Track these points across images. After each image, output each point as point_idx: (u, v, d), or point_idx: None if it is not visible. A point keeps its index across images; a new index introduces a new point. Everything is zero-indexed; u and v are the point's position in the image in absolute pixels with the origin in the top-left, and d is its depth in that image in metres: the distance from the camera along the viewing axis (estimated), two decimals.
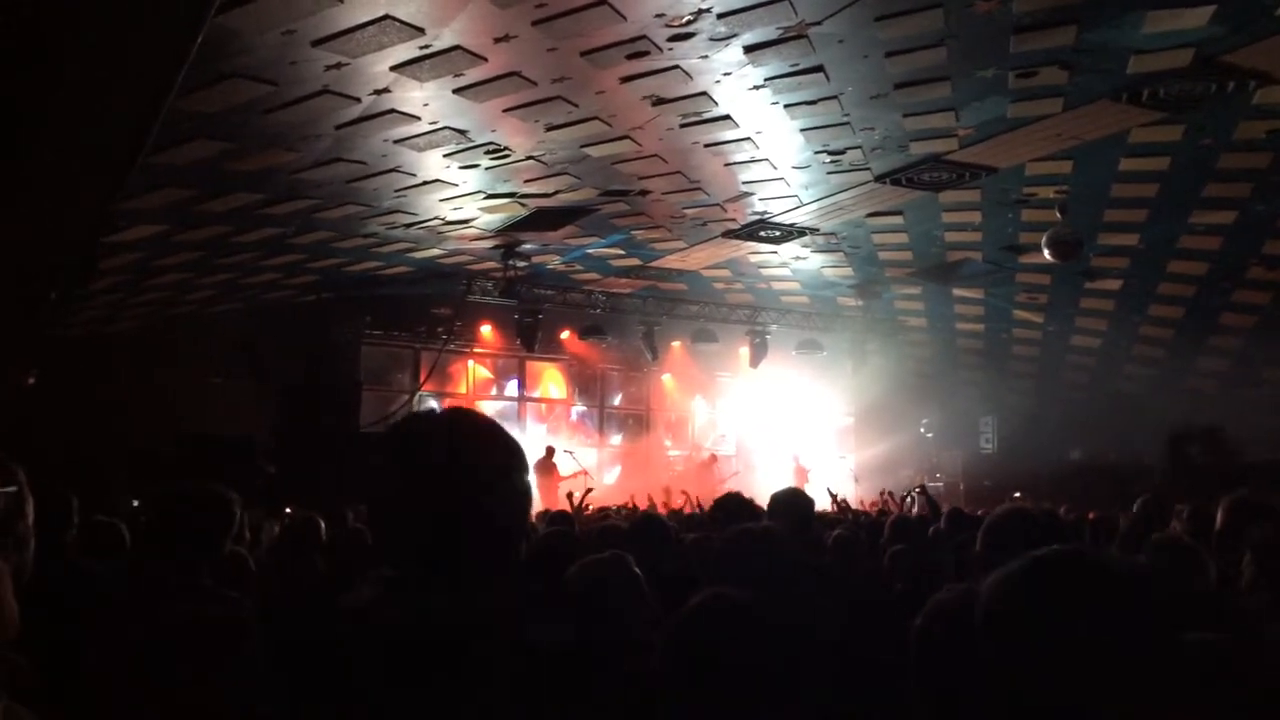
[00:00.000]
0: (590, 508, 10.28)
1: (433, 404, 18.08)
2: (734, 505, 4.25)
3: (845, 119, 9.29)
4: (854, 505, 13.06)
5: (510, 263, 14.95)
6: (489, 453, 1.58)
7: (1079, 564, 1.49)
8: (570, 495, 10.41)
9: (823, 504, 12.92)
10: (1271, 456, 15.47)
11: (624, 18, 7.02)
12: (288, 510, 9.17)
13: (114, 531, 4.84)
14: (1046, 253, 11.56)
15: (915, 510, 12.79)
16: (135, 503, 9.16)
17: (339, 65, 7.38)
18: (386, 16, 6.69)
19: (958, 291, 16.33)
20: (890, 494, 14.36)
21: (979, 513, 12.38)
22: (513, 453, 1.62)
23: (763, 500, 4.51)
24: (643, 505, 11.17)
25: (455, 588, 1.49)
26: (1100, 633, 1.39)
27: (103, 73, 5.05)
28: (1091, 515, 9.46)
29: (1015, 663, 1.41)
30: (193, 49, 5.10)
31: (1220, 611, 2.70)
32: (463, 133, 9.22)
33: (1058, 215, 11.51)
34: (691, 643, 2.00)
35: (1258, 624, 2.49)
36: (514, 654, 1.47)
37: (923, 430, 21.39)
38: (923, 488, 12.43)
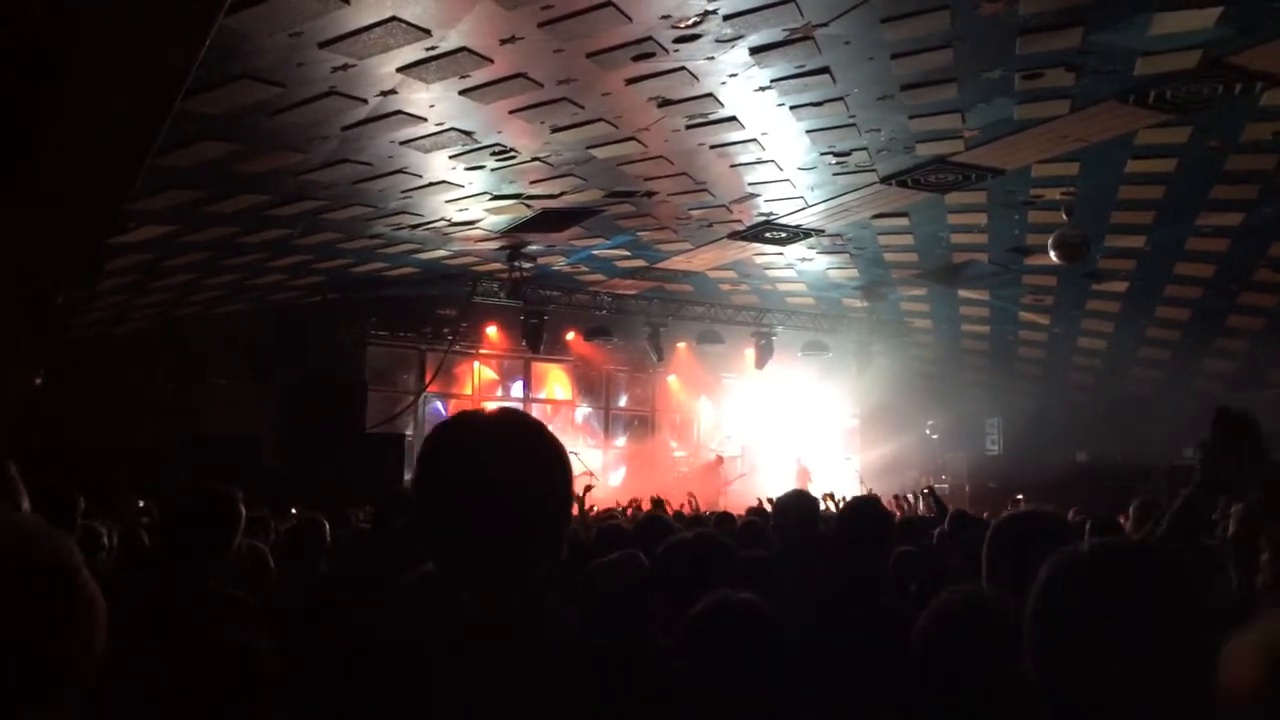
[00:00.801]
0: (594, 509, 10.27)
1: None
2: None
3: (851, 120, 9.29)
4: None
5: (516, 264, 14.96)
6: (535, 454, 1.60)
7: (1136, 558, 1.49)
8: (576, 496, 10.40)
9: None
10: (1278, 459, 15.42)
11: (630, 19, 7.03)
12: (293, 510, 9.19)
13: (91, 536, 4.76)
14: (1053, 254, 11.55)
15: (922, 511, 12.80)
16: (140, 503, 9.18)
17: (346, 67, 7.40)
18: (393, 18, 6.70)
19: (963, 293, 16.31)
20: (896, 497, 14.33)
21: (984, 515, 12.37)
22: (558, 455, 1.63)
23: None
24: (645, 507, 11.15)
25: (495, 587, 1.50)
26: (1157, 628, 1.39)
27: (112, 74, 5.06)
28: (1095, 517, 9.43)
29: (1066, 658, 1.40)
30: (202, 50, 5.12)
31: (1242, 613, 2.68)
32: (469, 134, 9.24)
33: (1064, 217, 11.48)
34: (702, 643, 2.00)
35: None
36: (552, 654, 1.48)
37: (928, 432, 21.37)
38: (930, 488, 12.42)
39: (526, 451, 1.59)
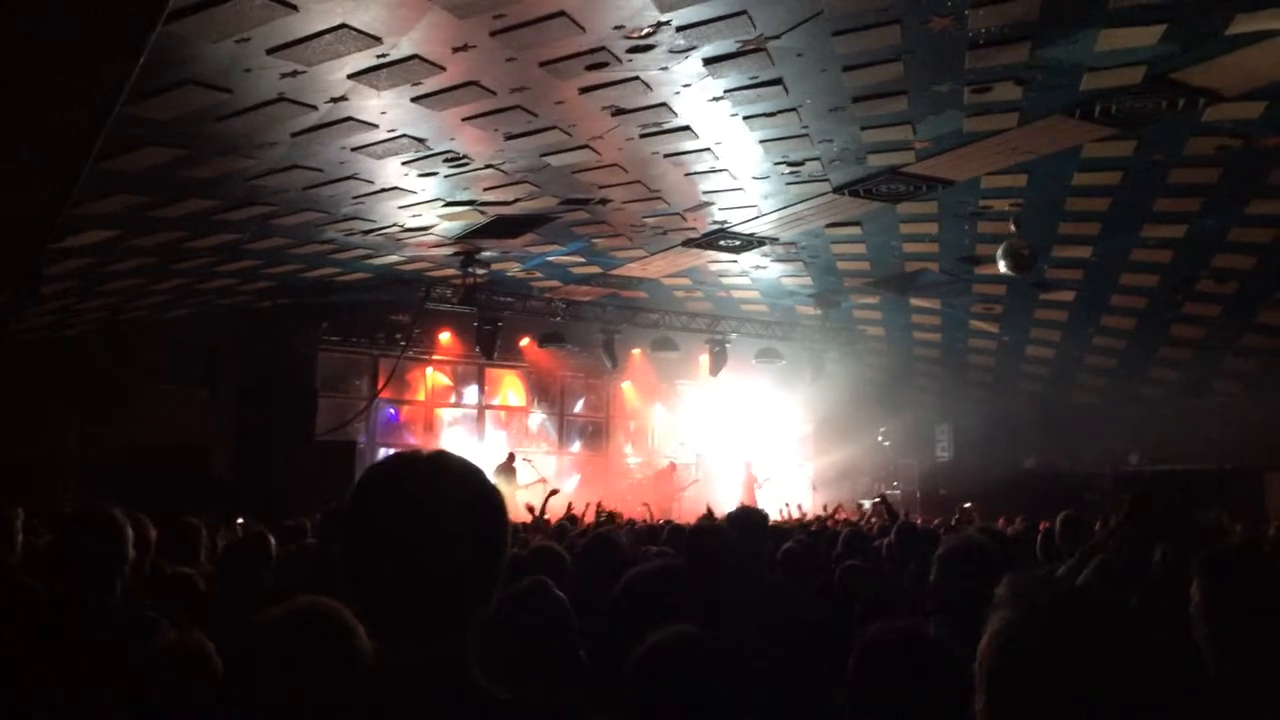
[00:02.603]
0: (551, 519, 10.24)
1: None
2: None
3: (804, 131, 9.34)
4: (812, 514, 13.08)
5: (470, 270, 14.88)
6: (452, 504, 1.53)
7: (1087, 611, 1.49)
8: (530, 507, 10.36)
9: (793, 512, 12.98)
10: (1219, 465, 15.77)
11: (583, 29, 7.02)
12: (239, 521, 9.07)
13: None
14: (1002, 264, 11.68)
15: (873, 518, 12.88)
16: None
17: (295, 73, 7.31)
18: (343, 25, 6.63)
19: (915, 301, 16.47)
20: (858, 505, 14.41)
21: (934, 522, 12.49)
22: (477, 505, 1.56)
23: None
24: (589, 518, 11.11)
25: (406, 636, 1.47)
26: (1115, 677, 1.41)
27: (47, 84, 4.96)
28: (1044, 525, 9.57)
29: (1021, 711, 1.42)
30: (138, 62, 5.02)
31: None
32: (421, 141, 9.17)
33: (1012, 228, 11.62)
34: (652, 678, 1.99)
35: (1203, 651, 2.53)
36: (456, 704, 1.45)
37: (880, 439, 21.54)
38: (883, 496, 12.52)
39: (437, 498, 1.53)
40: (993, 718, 1.45)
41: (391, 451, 16.61)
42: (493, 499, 1.58)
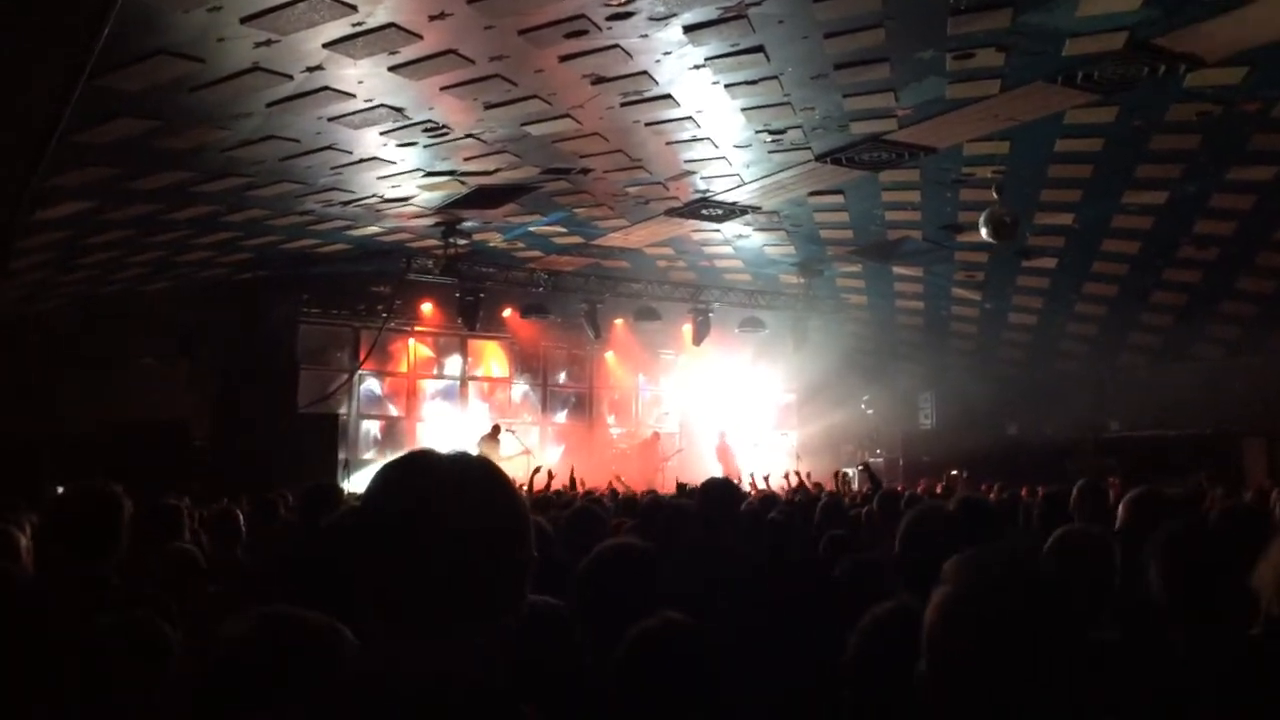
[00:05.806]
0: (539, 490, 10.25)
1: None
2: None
3: (786, 99, 9.28)
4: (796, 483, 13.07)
5: (451, 240, 14.78)
6: (482, 509, 1.46)
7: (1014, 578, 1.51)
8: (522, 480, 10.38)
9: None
10: (1198, 431, 15.89)
11: None
12: (226, 500, 9.02)
13: None
14: (984, 232, 11.66)
15: (858, 486, 12.90)
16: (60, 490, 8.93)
17: (269, 42, 7.20)
18: None
19: (898, 270, 16.46)
20: (837, 473, 14.38)
21: (917, 488, 12.53)
22: (508, 513, 1.50)
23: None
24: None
25: (424, 640, 1.40)
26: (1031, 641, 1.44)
27: (10, 61, 4.86)
28: (1024, 492, 9.65)
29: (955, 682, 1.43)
30: (103, 32, 4.92)
31: (1125, 610, 2.75)
32: (399, 110, 9.07)
33: (995, 195, 11.60)
34: (641, 665, 1.98)
35: (1159, 623, 2.55)
36: (476, 709, 1.38)
37: (863, 407, 21.59)
38: (865, 464, 12.56)
39: (486, 498, 1.47)
40: (933, 685, 1.47)
41: (375, 423, 16.35)
42: (517, 498, 1.53)
